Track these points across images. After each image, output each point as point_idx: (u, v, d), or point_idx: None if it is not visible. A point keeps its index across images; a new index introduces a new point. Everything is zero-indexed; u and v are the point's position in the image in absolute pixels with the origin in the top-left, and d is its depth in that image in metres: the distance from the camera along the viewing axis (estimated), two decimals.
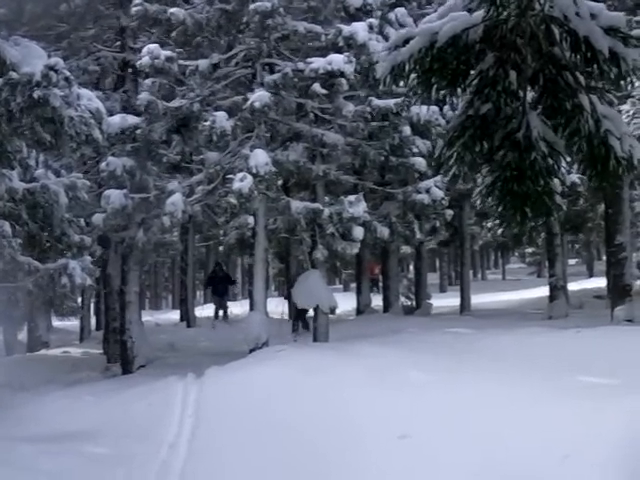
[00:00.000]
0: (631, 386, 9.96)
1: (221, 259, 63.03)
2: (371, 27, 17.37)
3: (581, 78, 5.50)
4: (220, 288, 32.09)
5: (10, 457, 10.42)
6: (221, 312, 32.30)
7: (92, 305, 39.99)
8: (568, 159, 6.09)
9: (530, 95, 5.70)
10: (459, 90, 5.82)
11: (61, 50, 20.23)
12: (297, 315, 25.52)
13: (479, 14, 5.34)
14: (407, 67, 5.63)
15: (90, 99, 13.16)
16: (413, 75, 5.70)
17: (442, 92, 5.84)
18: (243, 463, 10.39)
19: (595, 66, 5.55)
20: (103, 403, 14.17)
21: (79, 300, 34.70)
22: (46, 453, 10.90)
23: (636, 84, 17.53)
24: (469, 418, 10.05)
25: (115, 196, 16.80)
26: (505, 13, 5.20)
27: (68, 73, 12.51)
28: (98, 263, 19.65)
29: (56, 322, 37.98)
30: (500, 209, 5.86)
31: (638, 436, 8.43)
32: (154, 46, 17.08)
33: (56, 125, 12.36)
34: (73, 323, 36.26)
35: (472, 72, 5.61)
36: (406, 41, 5.60)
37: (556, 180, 5.77)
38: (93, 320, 38.06)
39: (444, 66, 5.60)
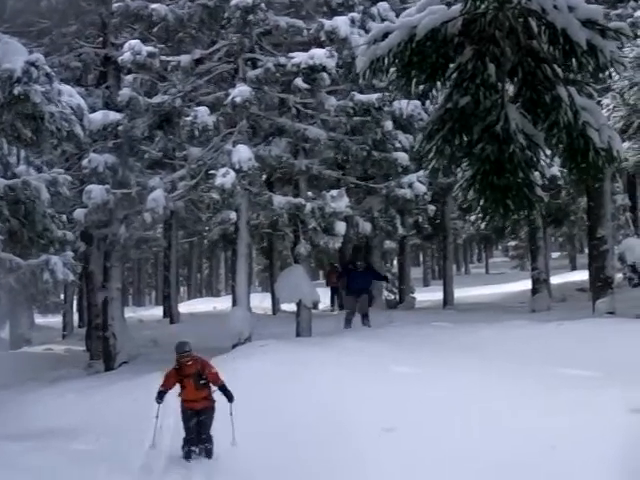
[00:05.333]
0: (612, 378, 10.04)
1: (205, 256, 63.18)
2: (353, 21, 17.39)
3: (559, 71, 5.52)
4: (358, 284, 21.63)
5: None
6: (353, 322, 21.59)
7: (75, 302, 39.97)
8: (548, 152, 6.11)
9: (510, 88, 5.72)
10: (439, 83, 5.82)
11: (43, 46, 20.13)
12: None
13: (457, 7, 5.35)
14: (386, 61, 5.63)
15: (71, 95, 13.12)
16: (392, 69, 5.70)
17: (422, 86, 5.84)
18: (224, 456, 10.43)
19: (573, 59, 5.57)
20: (86, 400, 14.15)
21: (62, 297, 34.76)
22: (30, 451, 10.89)
23: (615, 77, 17.62)
24: (452, 410, 10.10)
25: (97, 192, 16.74)
26: (483, 6, 5.21)
27: (49, 69, 12.47)
28: (80, 259, 19.59)
29: (39, 319, 37.99)
30: (482, 202, 5.87)
31: (619, 428, 8.50)
32: (135, 42, 17.02)
33: (37, 121, 12.33)
34: (55, 320, 36.29)
35: (451, 65, 5.62)
36: (385, 35, 5.60)
37: (536, 173, 5.79)
38: (76, 317, 38.03)
39: (423, 59, 5.60)
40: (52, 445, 11.36)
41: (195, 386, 11.52)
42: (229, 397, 11.40)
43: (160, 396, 11.76)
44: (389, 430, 10.07)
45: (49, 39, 21.56)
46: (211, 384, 11.57)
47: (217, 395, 11.43)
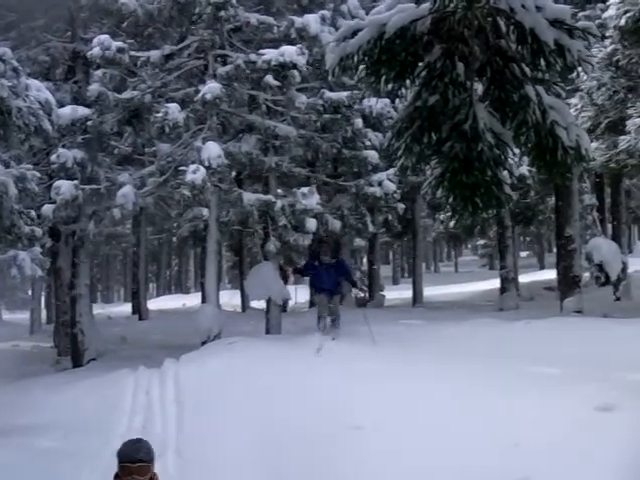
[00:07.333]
0: (579, 376, 10.10)
1: (174, 252, 62.86)
2: (323, 19, 17.42)
3: (527, 70, 5.56)
4: (325, 283, 17.59)
5: None
6: (328, 321, 17.39)
7: (43, 298, 39.71)
8: (516, 150, 6.14)
9: (478, 87, 5.74)
10: (408, 81, 5.84)
11: (10, 40, 19.92)
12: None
13: (426, 6, 5.37)
14: (356, 58, 5.64)
15: (39, 90, 13.02)
16: (362, 66, 5.71)
17: (391, 84, 5.86)
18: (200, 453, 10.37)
19: (541, 58, 5.61)
20: (53, 397, 14.03)
21: (29, 292, 34.50)
22: None
23: (583, 77, 17.74)
24: (420, 408, 10.11)
25: (65, 187, 16.62)
26: (452, 5, 5.23)
27: (16, 63, 12.37)
28: (48, 255, 19.45)
29: (6, 315, 37.72)
30: (451, 200, 5.90)
31: (587, 426, 8.55)
32: (105, 37, 16.93)
33: (4, 116, 12.21)
34: (23, 316, 36.02)
35: (420, 64, 5.64)
36: (355, 33, 5.61)
37: (505, 171, 5.82)
38: (44, 313, 37.77)
39: (392, 57, 5.62)
40: (17, 442, 11.23)
41: None
42: None
43: None
44: (357, 428, 10.06)
45: (16, 32, 21.35)
46: None
47: None
